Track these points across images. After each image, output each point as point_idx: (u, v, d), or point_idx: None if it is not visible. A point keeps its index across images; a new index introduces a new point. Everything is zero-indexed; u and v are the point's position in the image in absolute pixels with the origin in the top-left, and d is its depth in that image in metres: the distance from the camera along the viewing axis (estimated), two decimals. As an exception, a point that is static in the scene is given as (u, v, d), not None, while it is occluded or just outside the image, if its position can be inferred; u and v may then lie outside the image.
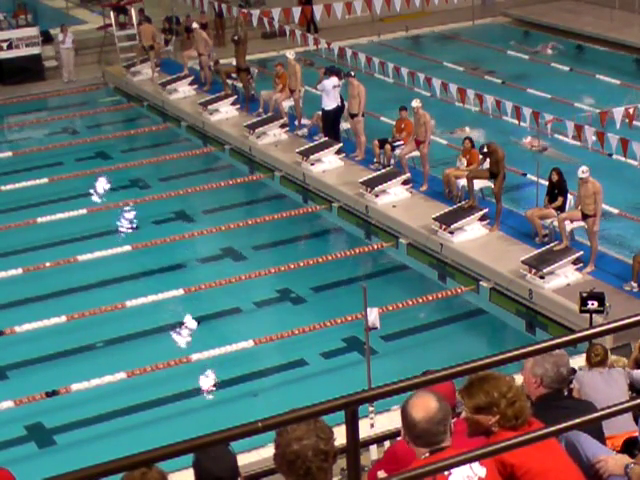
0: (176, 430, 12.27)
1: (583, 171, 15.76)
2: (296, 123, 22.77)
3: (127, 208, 20.60)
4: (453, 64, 27.28)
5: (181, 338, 16.08)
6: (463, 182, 18.38)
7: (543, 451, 4.31)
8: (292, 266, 17.40)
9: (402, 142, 20.17)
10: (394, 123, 20.76)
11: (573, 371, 10.52)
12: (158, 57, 27.42)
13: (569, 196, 17.00)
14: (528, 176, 19.60)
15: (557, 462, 4.37)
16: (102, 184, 22.07)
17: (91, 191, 21.64)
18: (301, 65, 23.41)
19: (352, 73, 21.09)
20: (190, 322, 16.39)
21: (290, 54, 22.78)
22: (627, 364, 10.67)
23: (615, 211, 18.25)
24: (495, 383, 4.42)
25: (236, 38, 24.54)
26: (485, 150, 17.67)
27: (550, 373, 5.16)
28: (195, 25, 26.10)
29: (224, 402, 14.21)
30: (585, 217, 15.94)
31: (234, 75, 24.85)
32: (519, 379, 5.38)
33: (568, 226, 16.55)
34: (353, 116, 20.83)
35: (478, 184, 18.65)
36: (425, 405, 4.15)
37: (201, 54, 25.72)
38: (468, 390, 4.42)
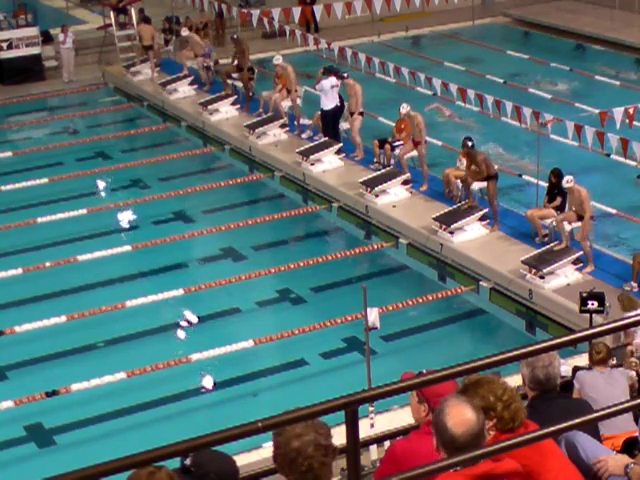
0: (176, 430, 12.27)
1: (567, 181, 15.96)
2: (295, 123, 22.77)
3: (127, 208, 20.60)
4: (453, 64, 27.27)
5: (181, 338, 16.08)
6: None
7: (541, 452, 4.30)
8: (292, 266, 17.40)
9: (402, 142, 20.18)
10: (394, 123, 20.75)
11: (568, 373, 10.52)
12: (158, 57, 27.43)
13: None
14: (524, 177, 19.64)
15: (556, 463, 4.36)
16: (102, 184, 22.07)
17: (91, 191, 21.64)
18: (294, 66, 23.45)
19: (345, 74, 21.11)
20: (190, 322, 16.38)
21: (277, 60, 22.80)
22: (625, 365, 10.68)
23: (614, 211, 18.26)
24: (489, 387, 4.39)
25: (235, 37, 24.65)
26: (470, 144, 17.77)
27: (527, 374, 5.16)
28: (185, 32, 26.13)
29: (224, 402, 14.21)
30: (580, 218, 16.04)
31: (235, 75, 24.85)
32: (518, 380, 5.39)
33: (568, 226, 16.55)
34: (353, 114, 20.90)
35: (477, 185, 18.67)
36: (463, 418, 3.97)
37: (197, 55, 25.76)
38: (463, 395, 4.38)
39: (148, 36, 26.88)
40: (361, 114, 20.97)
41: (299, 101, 23.49)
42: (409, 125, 20.03)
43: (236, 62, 24.57)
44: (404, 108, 19.20)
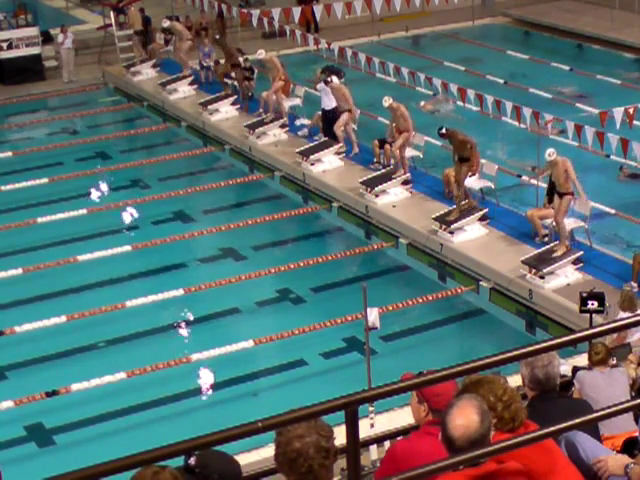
0: (176, 430, 12.26)
1: (550, 154, 15.88)
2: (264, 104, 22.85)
3: (127, 208, 20.60)
4: (453, 64, 27.27)
5: (181, 338, 16.08)
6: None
7: (541, 452, 4.30)
8: (292, 266, 17.40)
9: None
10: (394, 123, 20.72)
11: (571, 372, 10.52)
12: (158, 57, 27.46)
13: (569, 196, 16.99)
14: (524, 177, 19.63)
15: (556, 463, 4.35)
16: (102, 184, 22.08)
17: (91, 191, 21.64)
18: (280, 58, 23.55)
19: (329, 79, 21.10)
20: (190, 322, 16.39)
21: (260, 55, 22.78)
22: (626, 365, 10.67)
23: (613, 211, 18.25)
24: (490, 387, 4.37)
25: (217, 38, 24.84)
26: (443, 132, 17.79)
27: (526, 374, 5.16)
28: (166, 22, 26.17)
29: (224, 402, 14.21)
30: (561, 196, 15.95)
31: (232, 74, 24.86)
32: (518, 380, 5.38)
33: (568, 226, 16.58)
34: (344, 112, 20.89)
35: (477, 184, 18.72)
36: (465, 422, 3.95)
37: (185, 40, 25.78)
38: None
39: (137, 21, 27.14)
40: (349, 111, 20.92)
41: (299, 100, 23.50)
42: (395, 117, 20.11)
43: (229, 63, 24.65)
44: (386, 101, 19.18)
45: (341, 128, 20.99)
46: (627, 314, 12.97)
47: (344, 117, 20.94)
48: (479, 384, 4.37)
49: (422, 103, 24.17)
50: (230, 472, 4.26)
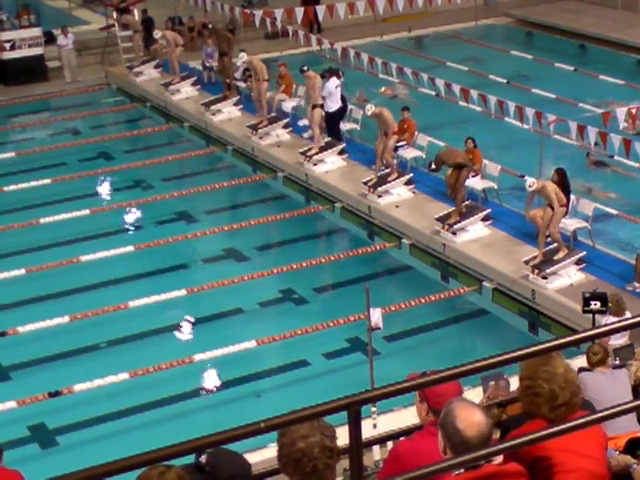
0: (179, 430, 12.27)
1: (530, 185, 15.72)
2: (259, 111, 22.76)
3: (130, 208, 20.61)
4: (456, 64, 27.26)
5: (184, 338, 16.09)
6: (466, 182, 18.35)
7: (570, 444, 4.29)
8: (295, 266, 17.40)
9: (405, 142, 20.17)
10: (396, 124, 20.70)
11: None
12: (161, 58, 27.47)
13: (571, 196, 16.99)
14: (526, 177, 19.59)
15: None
16: (105, 185, 22.08)
17: (94, 192, 21.65)
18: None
19: (305, 67, 21.09)
20: (193, 322, 16.38)
21: (242, 58, 22.66)
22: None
23: (616, 212, 18.24)
24: (540, 365, 4.39)
25: (210, 26, 24.92)
26: (434, 167, 17.72)
27: None
28: (158, 34, 26.16)
29: (227, 402, 14.21)
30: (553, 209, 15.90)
31: (237, 75, 24.86)
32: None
33: (571, 226, 16.56)
34: (314, 107, 20.80)
35: (480, 185, 18.72)
36: (474, 420, 3.98)
37: (177, 45, 25.79)
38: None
39: (136, 24, 27.20)
40: (321, 106, 20.86)
41: (293, 101, 23.48)
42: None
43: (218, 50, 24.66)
44: (369, 110, 18.82)
45: (317, 125, 20.84)
46: (615, 319, 12.86)
47: (317, 114, 20.75)
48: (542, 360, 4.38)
49: (382, 89, 24.41)
50: (240, 473, 4.25)
